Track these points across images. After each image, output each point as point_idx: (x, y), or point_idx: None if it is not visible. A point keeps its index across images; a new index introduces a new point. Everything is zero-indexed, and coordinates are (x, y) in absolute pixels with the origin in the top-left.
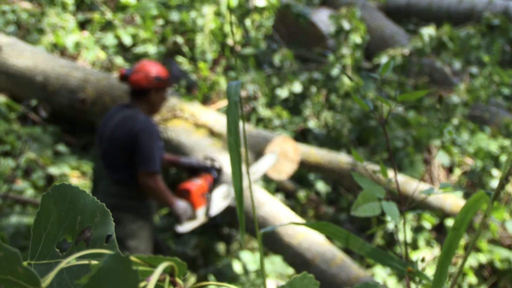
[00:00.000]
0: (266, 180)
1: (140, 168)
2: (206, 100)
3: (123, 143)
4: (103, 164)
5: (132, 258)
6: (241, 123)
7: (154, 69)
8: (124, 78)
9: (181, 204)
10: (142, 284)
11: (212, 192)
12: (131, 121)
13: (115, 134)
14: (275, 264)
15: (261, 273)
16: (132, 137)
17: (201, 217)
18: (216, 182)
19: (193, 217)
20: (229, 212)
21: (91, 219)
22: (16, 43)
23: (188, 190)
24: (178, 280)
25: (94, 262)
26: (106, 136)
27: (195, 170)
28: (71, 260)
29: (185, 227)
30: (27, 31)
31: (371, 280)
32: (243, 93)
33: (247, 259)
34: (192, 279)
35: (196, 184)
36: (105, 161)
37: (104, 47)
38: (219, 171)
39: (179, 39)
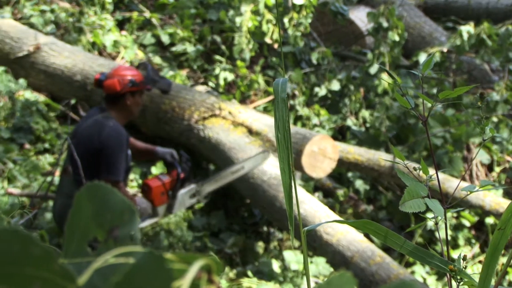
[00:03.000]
0: (305, 179)
1: (103, 176)
2: (244, 99)
3: (87, 146)
4: (69, 164)
5: (167, 255)
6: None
7: (128, 73)
8: (98, 83)
9: (141, 203)
10: (177, 282)
11: (179, 190)
12: (100, 127)
13: (82, 136)
14: (318, 264)
15: (303, 272)
16: (98, 143)
17: (161, 214)
18: (188, 178)
19: (153, 214)
20: (267, 210)
21: (120, 217)
22: (55, 43)
23: (149, 186)
24: (215, 278)
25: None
26: (75, 137)
27: (168, 165)
28: (107, 259)
29: (143, 223)
30: (65, 31)
31: (410, 278)
32: None
33: (290, 258)
34: (230, 275)
35: (160, 181)
36: (70, 161)
37: (142, 46)
38: (189, 167)
39: (217, 38)
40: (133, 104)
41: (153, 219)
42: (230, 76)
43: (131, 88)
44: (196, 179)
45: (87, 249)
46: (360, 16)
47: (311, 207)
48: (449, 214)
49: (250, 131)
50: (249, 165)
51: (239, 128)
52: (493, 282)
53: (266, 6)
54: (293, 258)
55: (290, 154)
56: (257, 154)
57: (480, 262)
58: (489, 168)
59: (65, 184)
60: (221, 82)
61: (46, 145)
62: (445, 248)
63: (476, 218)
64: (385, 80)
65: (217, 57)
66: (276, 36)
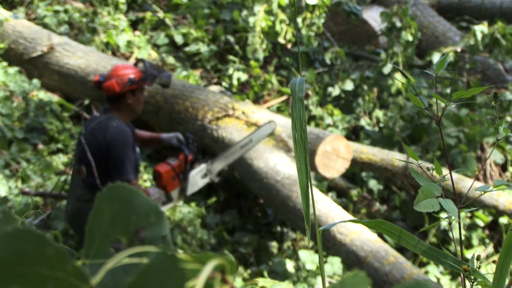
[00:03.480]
0: (319, 179)
1: (114, 177)
2: (257, 99)
3: (94, 149)
4: (82, 164)
5: (181, 255)
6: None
7: (126, 72)
8: (98, 85)
9: (155, 192)
10: (190, 283)
11: (190, 171)
12: (103, 129)
13: (88, 139)
14: (333, 264)
15: (317, 271)
16: (103, 145)
17: (175, 199)
18: (197, 159)
19: (167, 200)
20: (281, 210)
21: (145, 219)
22: (68, 43)
23: (159, 173)
24: (229, 278)
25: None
26: (82, 140)
27: (175, 149)
28: (121, 259)
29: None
30: (79, 31)
31: (424, 278)
32: None
33: (305, 258)
34: (244, 275)
35: (169, 166)
36: (83, 162)
37: (156, 47)
38: (196, 148)
39: (231, 38)
40: (134, 102)
41: (168, 204)
42: (244, 76)
43: (131, 87)
44: (205, 158)
45: (110, 250)
46: (373, 16)
47: (325, 207)
48: (462, 214)
49: None
50: (257, 137)
51: (252, 128)
52: (506, 281)
53: (280, 6)
54: (308, 258)
55: (307, 153)
56: (263, 125)
57: (494, 262)
58: (503, 167)
59: (75, 186)
60: (235, 82)
61: (60, 145)
62: (458, 248)
63: (490, 218)
64: (399, 80)
65: (231, 57)
66: (289, 36)
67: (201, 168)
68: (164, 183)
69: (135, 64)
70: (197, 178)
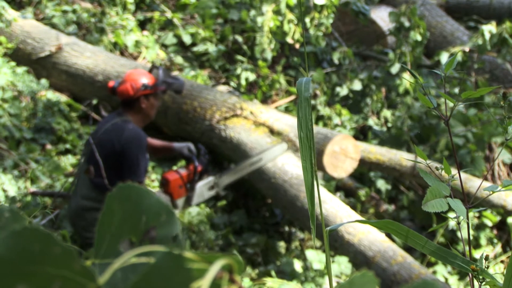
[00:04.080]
0: (327, 178)
1: (126, 178)
2: (265, 99)
3: (107, 150)
4: (90, 164)
5: (188, 255)
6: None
7: (140, 77)
8: (112, 91)
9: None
10: (196, 282)
11: (197, 182)
12: (119, 130)
13: (102, 141)
14: (341, 264)
15: (324, 271)
16: (118, 146)
17: (180, 207)
18: (206, 171)
19: (172, 207)
20: (289, 210)
21: (156, 219)
22: (76, 43)
23: (167, 180)
24: (237, 278)
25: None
26: (94, 141)
27: (187, 158)
28: (129, 258)
29: None
30: (87, 31)
31: (432, 277)
32: None
33: (312, 258)
34: (252, 274)
35: (178, 174)
36: (91, 162)
37: (164, 46)
38: (206, 160)
39: (239, 38)
40: (148, 107)
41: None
42: (252, 76)
43: (144, 91)
44: (214, 171)
45: (120, 250)
46: (381, 16)
47: (333, 207)
48: (471, 214)
49: (272, 131)
50: (267, 157)
51: (260, 128)
52: None
53: (288, 6)
54: (316, 258)
55: (313, 153)
56: (274, 146)
57: (502, 262)
58: (511, 167)
59: (81, 185)
60: (243, 82)
61: (68, 146)
62: (467, 248)
63: (498, 218)
64: (407, 79)
65: (239, 57)
66: (297, 36)
67: (209, 180)
68: (170, 190)
69: (150, 70)
70: (204, 189)
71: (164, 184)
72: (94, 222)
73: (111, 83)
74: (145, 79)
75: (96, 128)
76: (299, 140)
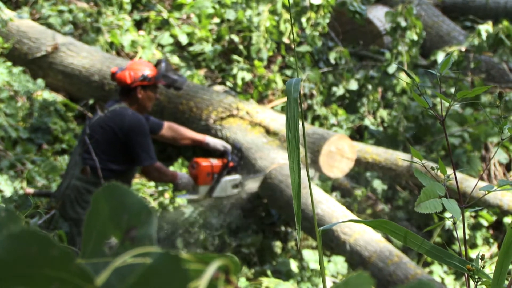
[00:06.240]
0: (323, 179)
1: (142, 164)
2: (262, 99)
3: (108, 136)
4: (84, 153)
5: (184, 255)
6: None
7: (141, 68)
8: (112, 76)
9: (183, 177)
10: (193, 283)
11: (224, 176)
12: (120, 116)
13: (102, 127)
14: (337, 263)
15: (319, 271)
16: (121, 135)
17: (202, 194)
18: (235, 169)
19: (194, 191)
20: (285, 210)
21: (137, 218)
22: (72, 43)
23: (198, 163)
24: (233, 278)
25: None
26: (92, 128)
27: (221, 153)
28: (126, 259)
29: (183, 196)
30: (83, 31)
31: (428, 277)
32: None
33: (309, 258)
34: (248, 274)
35: (209, 162)
36: (89, 150)
37: (160, 46)
38: (239, 158)
39: (235, 38)
40: (144, 98)
41: (193, 195)
42: (248, 76)
43: (142, 82)
44: (242, 172)
45: (105, 249)
46: (378, 16)
47: (329, 207)
48: (467, 214)
49: (268, 131)
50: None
51: (256, 128)
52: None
53: (284, 6)
54: (312, 257)
55: (306, 153)
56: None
57: None
58: (507, 167)
59: (74, 166)
60: (239, 82)
61: (64, 146)
62: (463, 248)
63: (494, 218)
64: (403, 79)
65: (235, 56)
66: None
67: (235, 178)
68: (198, 173)
69: (157, 64)
70: (228, 185)
71: (194, 167)
72: (82, 203)
73: (114, 69)
74: (146, 71)
75: (94, 116)
76: (287, 141)
